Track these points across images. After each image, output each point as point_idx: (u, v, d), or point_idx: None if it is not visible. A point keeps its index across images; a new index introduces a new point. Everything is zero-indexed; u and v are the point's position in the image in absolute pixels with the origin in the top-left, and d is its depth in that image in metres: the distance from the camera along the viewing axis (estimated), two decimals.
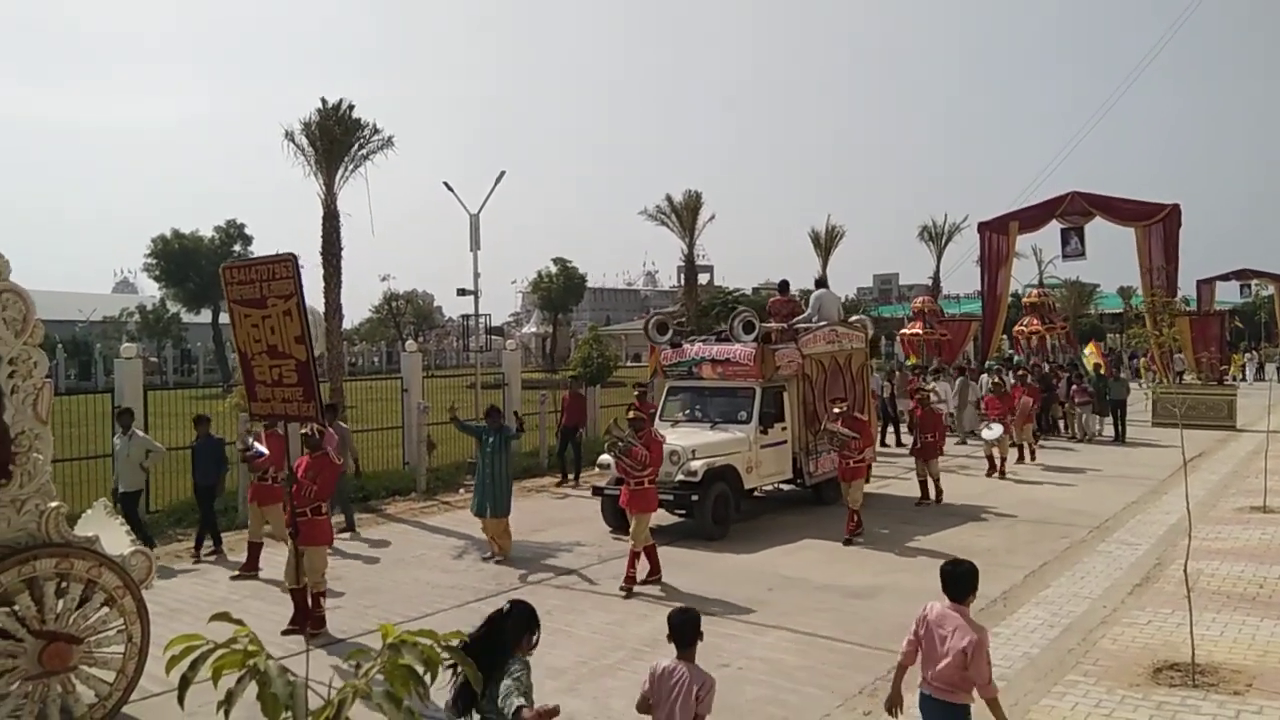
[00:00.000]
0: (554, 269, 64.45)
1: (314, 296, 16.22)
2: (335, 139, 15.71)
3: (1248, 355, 46.68)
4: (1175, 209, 27.34)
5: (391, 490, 16.04)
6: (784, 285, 17.45)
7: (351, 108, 16.06)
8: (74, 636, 6.48)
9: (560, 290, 64.01)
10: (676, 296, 56.89)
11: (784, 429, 13.77)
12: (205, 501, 12.31)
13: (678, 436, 12.79)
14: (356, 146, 16.11)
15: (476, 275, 20.54)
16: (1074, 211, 29.34)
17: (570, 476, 17.52)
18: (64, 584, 6.57)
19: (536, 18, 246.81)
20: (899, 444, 21.04)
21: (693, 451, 12.41)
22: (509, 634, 4.42)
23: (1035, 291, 28.60)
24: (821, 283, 16.70)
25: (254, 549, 11.23)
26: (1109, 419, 23.41)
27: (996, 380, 19.55)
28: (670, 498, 11.99)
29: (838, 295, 17.20)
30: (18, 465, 6.45)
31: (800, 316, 15.48)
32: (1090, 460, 19.44)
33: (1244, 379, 41.48)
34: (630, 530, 10.38)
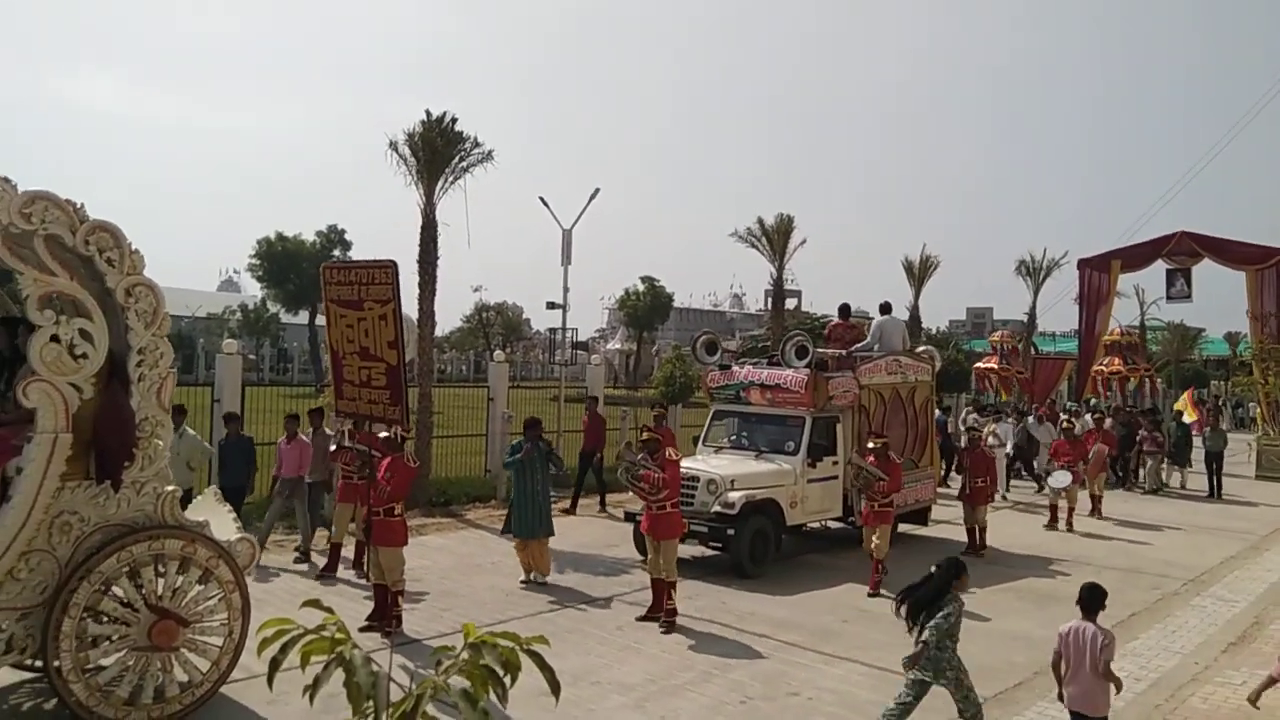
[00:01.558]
0: (641, 287, 64.65)
1: (409, 303, 16.60)
2: (437, 150, 16.03)
3: None
4: None
5: (473, 497, 16.28)
6: (844, 309, 16.01)
7: (454, 120, 16.39)
8: (184, 618, 6.75)
9: (646, 308, 64.16)
10: (763, 320, 56.61)
11: (835, 463, 12.87)
12: (234, 504, 12.28)
13: (718, 465, 12.20)
14: (457, 159, 16.41)
15: (566, 290, 20.83)
16: (1181, 252, 28.35)
17: (593, 500, 16.34)
18: (183, 566, 6.86)
19: (633, 39, 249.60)
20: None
21: (731, 481, 11.69)
22: (942, 580, 6.54)
23: (1118, 330, 27.53)
24: (886, 308, 15.45)
25: (335, 550, 11.42)
26: (1182, 471, 22.15)
27: (1067, 424, 18.31)
28: (705, 529, 11.43)
29: (902, 322, 16.08)
30: (140, 449, 6.79)
31: (861, 344, 14.63)
32: (1173, 515, 18.04)
33: None
34: (649, 560, 9.81)
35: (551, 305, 21.88)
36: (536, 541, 10.89)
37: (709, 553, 12.25)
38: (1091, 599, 6.16)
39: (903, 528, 14.27)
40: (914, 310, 32.42)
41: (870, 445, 11.74)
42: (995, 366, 28.43)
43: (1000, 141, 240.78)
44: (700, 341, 14.30)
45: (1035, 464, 21.11)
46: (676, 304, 75.07)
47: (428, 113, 16.20)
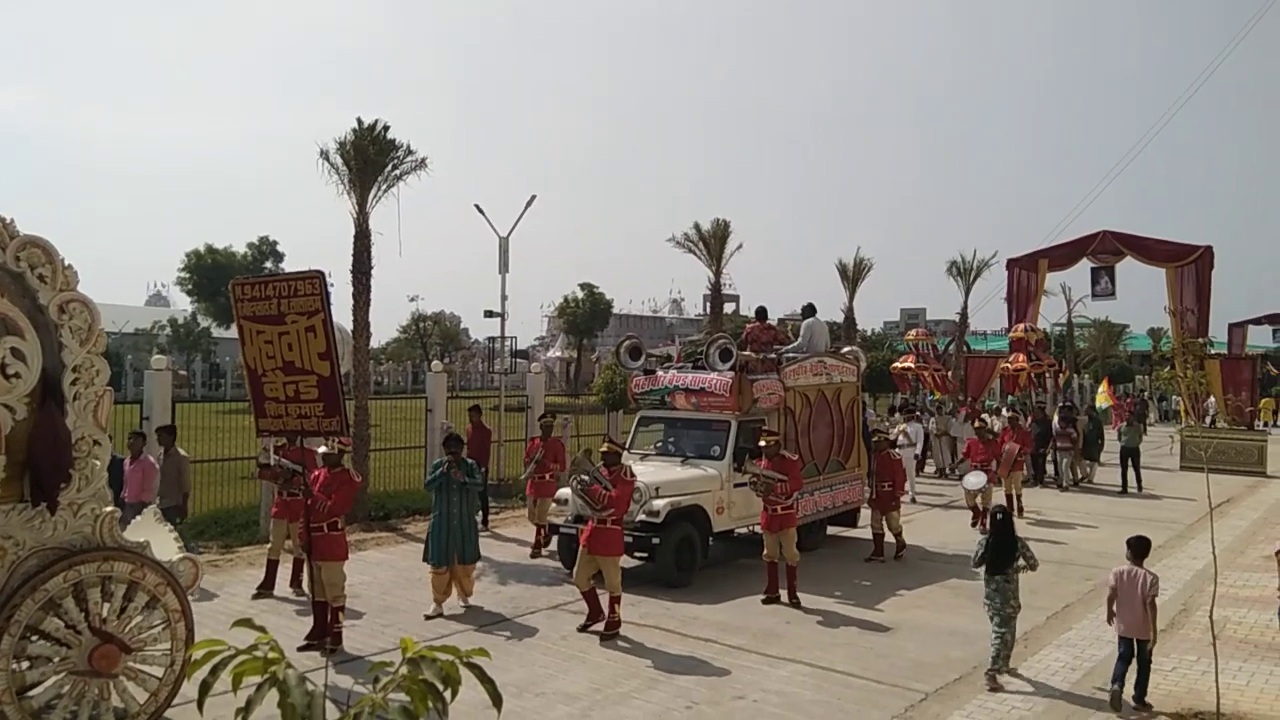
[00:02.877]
0: (580, 294, 64.66)
1: (342, 315, 16.35)
2: (369, 159, 15.85)
3: None
4: (1208, 251, 27.13)
5: (412, 510, 16.06)
6: (762, 311, 15.60)
7: (386, 128, 16.22)
8: (126, 644, 6.57)
9: (586, 315, 64.12)
10: (702, 324, 56.89)
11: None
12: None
13: (643, 472, 11.78)
14: (390, 167, 16.24)
15: (504, 298, 20.71)
16: (1105, 250, 29.17)
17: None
18: (130, 590, 6.68)
19: (569, 44, 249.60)
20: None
21: (656, 489, 11.38)
22: (1008, 523, 8.25)
23: (1022, 326, 27.99)
24: (810, 310, 15.28)
25: (271, 567, 11.20)
26: (1092, 465, 22.29)
27: (979, 423, 17.89)
28: (630, 539, 10.82)
29: (825, 324, 15.95)
30: (77, 470, 6.60)
31: (789, 346, 14.49)
32: (1099, 508, 18.44)
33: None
34: (578, 572, 9.62)
35: (490, 314, 21.76)
36: (458, 568, 10.21)
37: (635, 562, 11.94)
38: (1140, 547, 7.73)
39: (831, 530, 14.40)
40: (849, 312, 32.93)
41: (761, 444, 11.18)
42: (912, 365, 28.15)
43: (930, 145, 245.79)
44: (624, 347, 14.02)
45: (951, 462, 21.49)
46: (616, 310, 75.12)
47: (359, 121, 16.03)
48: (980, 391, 28.20)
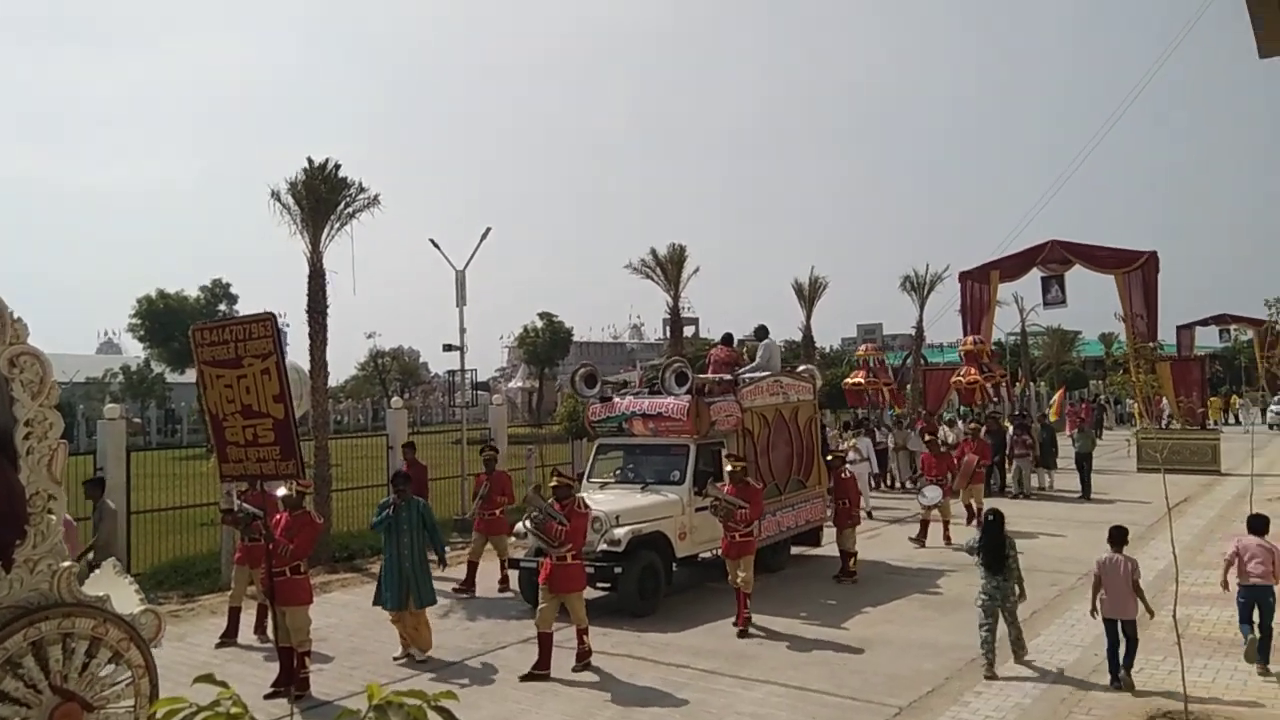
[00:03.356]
0: (539, 323, 64.61)
1: (299, 354, 16.18)
2: (321, 198, 15.76)
3: (1242, 400, 47.08)
4: (1153, 256, 27.74)
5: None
6: (728, 337, 15.81)
7: (338, 167, 16.16)
8: (89, 703, 6.40)
9: (546, 344, 64.06)
10: (662, 349, 57.07)
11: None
12: None
13: (602, 501, 11.69)
14: (343, 205, 16.16)
15: (462, 331, 20.63)
16: (1054, 260, 29.73)
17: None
18: (92, 647, 6.52)
19: (517, 74, 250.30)
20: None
21: (616, 518, 11.22)
22: (1000, 526, 8.76)
23: (970, 339, 28.34)
24: (763, 332, 15.17)
25: (234, 614, 10.99)
26: (1049, 472, 22.37)
27: (928, 437, 17.83)
28: (591, 570, 10.60)
29: (779, 344, 15.86)
30: (32, 525, 6.45)
31: (750, 367, 14.38)
32: (1060, 514, 18.57)
33: (1236, 422, 41.80)
34: (541, 612, 9.23)
35: (449, 347, 21.66)
36: (410, 614, 9.77)
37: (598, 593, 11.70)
38: (1119, 535, 8.46)
39: (795, 550, 14.30)
40: (806, 330, 33.19)
41: (728, 469, 11.18)
42: (863, 380, 28.05)
43: (878, 161, 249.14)
44: (579, 374, 13.88)
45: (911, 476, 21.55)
46: (576, 338, 75.12)
47: (309, 160, 15.95)
48: (938, 404, 28.48)
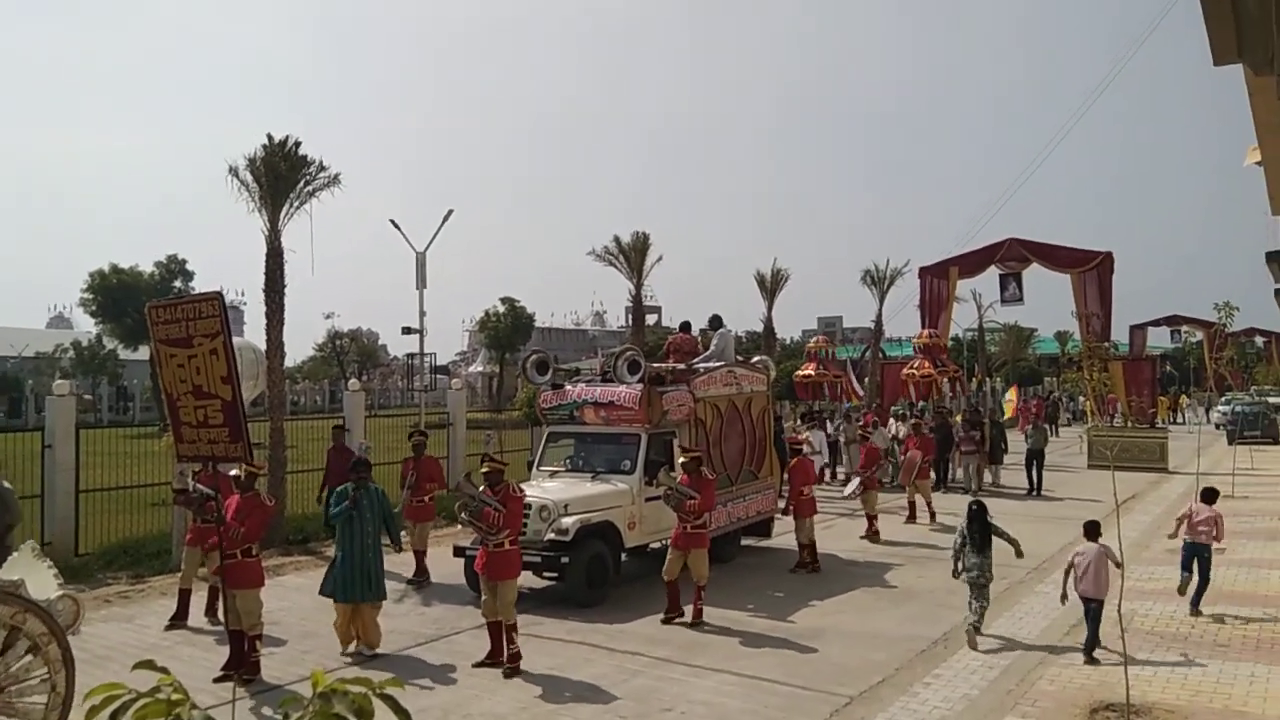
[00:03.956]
0: (501, 308, 64.31)
1: (256, 334, 15.98)
2: (281, 175, 15.53)
3: (1186, 400, 47.96)
4: (1108, 256, 28.19)
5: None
6: (686, 325, 15.82)
7: (299, 144, 15.93)
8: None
9: (508, 329, 63.78)
10: (625, 337, 57.04)
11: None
12: None
13: (551, 489, 11.64)
14: (303, 183, 15.95)
15: (422, 314, 20.50)
16: (1012, 258, 30.11)
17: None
18: (10, 637, 6.35)
19: (485, 56, 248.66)
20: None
21: (565, 506, 11.14)
22: (983, 513, 9.72)
23: (926, 332, 28.57)
24: (717, 322, 15.10)
25: (184, 596, 10.81)
26: (995, 468, 22.26)
27: (863, 432, 17.75)
28: (538, 559, 10.67)
29: (735, 334, 15.74)
30: None
31: (705, 355, 14.40)
32: (1012, 508, 18.66)
33: (1183, 422, 42.61)
34: (485, 602, 9.08)
35: (408, 330, 21.50)
36: (366, 606, 9.43)
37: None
38: (1092, 528, 9.27)
39: (745, 541, 14.32)
40: (768, 322, 33.34)
41: (681, 460, 11.05)
42: (813, 373, 27.95)
43: (844, 155, 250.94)
44: (530, 361, 13.74)
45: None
46: (538, 324, 74.89)
47: (269, 137, 15.71)
48: (895, 397, 28.71)
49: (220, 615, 9.57)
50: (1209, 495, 10.67)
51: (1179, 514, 10.79)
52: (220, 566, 8.76)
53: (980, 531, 9.67)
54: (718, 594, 11.42)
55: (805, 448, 17.18)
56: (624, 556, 12.13)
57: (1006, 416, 26.68)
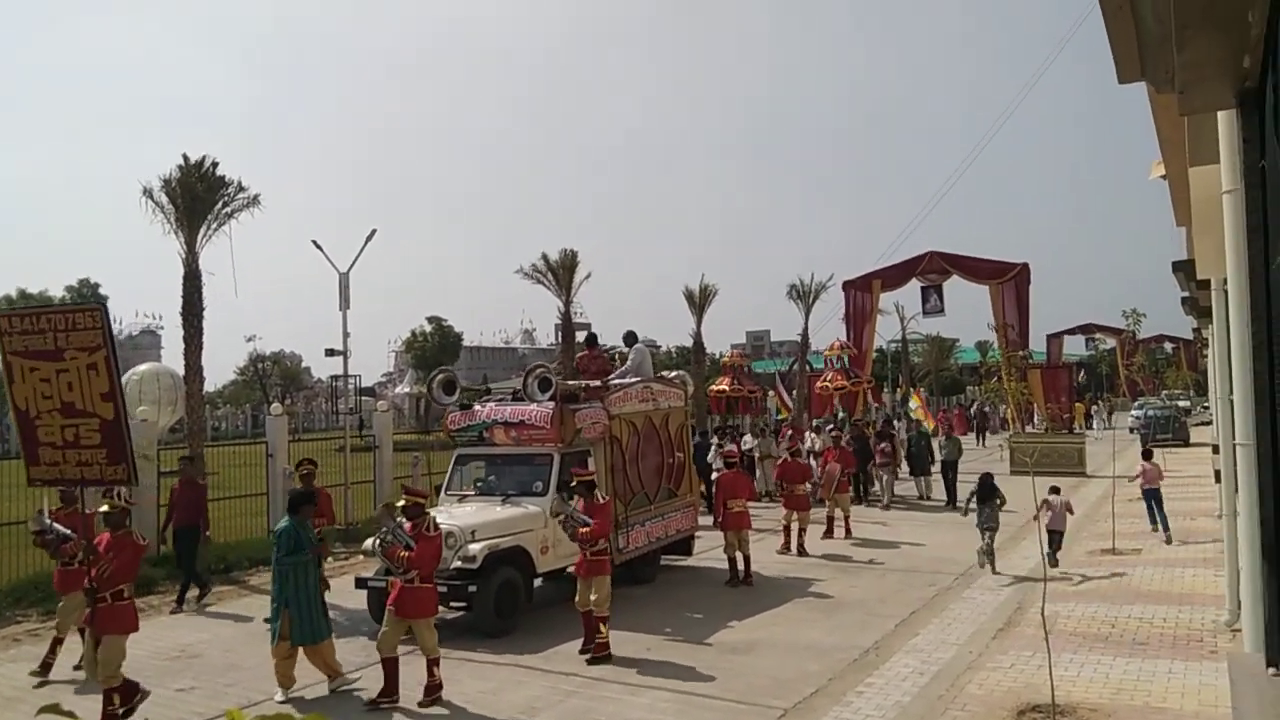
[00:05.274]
0: (428, 328, 63.64)
1: (174, 359, 15.55)
2: (197, 196, 15.22)
3: (1094, 406, 49.40)
4: (1024, 268, 29.02)
5: (255, 560, 15.29)
6: (592, 338, 15.26)
7: (215, 165, 15.64)
8: None
9: (435, 349, 63.11)
10: (554, 354, 56.85)
11: None
12: None
13: (458, 515, 11.17)
14: (221, 204, 15.65)
15: (346, 335, 20.16)
16: (933, 270, 30.81)
17: (196, 592, 13.09)
18: None
19: (399, 71, 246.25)
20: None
21: (472, 532, 10.61)
22: (989, 482, 13.33)
23: (836, 343, 28.61)
24: (632, 337, 14.83)
25: (55, 645, 9.86)
26: (924, 479, 22.02)
27: (792, 447, 17.35)
28: (444, 588, 10.00)
29: (648, 350, 15.53)
30: None
31: (622, 370, 14.16)
32: (927, 520, 18.74)
33: (1092, 428, 43.85)
34: (384, 634, 8.60)
35: (331, 352, 21.11)
36: (325, 644, 8.99)
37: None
38: (1055, 488, 13.39)
39: (665, 560, 13.96)
40: (697, 337, 33.57)
41: (575, 484, 10.31)
42: (727, 388, 27.36)
43: (768, 170, 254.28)
44: (436, 381, 13.15)
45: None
46: (467, 342, 74.30)
47: (185, 157, 15.38)
48: (823, 411, 29.07)
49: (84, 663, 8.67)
50: (1147, 455, 15.79)
51: (1134, 473, 15.91)
52: (89, 612, 8.00)
53: (984, 491, 13.17)
54: (645, 613, 11.45)
55: (719, 462, 17.14)
56: (539, 581, 11.83)
57: (924, 426, 26.90)
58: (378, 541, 8.92)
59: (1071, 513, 13.36)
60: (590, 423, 12.18)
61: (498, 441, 12.37)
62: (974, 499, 13.31)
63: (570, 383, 13.05)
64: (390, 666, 8.54)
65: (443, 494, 12.44)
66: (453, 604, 10.57)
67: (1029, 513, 18.11)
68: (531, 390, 12.02)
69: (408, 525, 8.80)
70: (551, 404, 11.86)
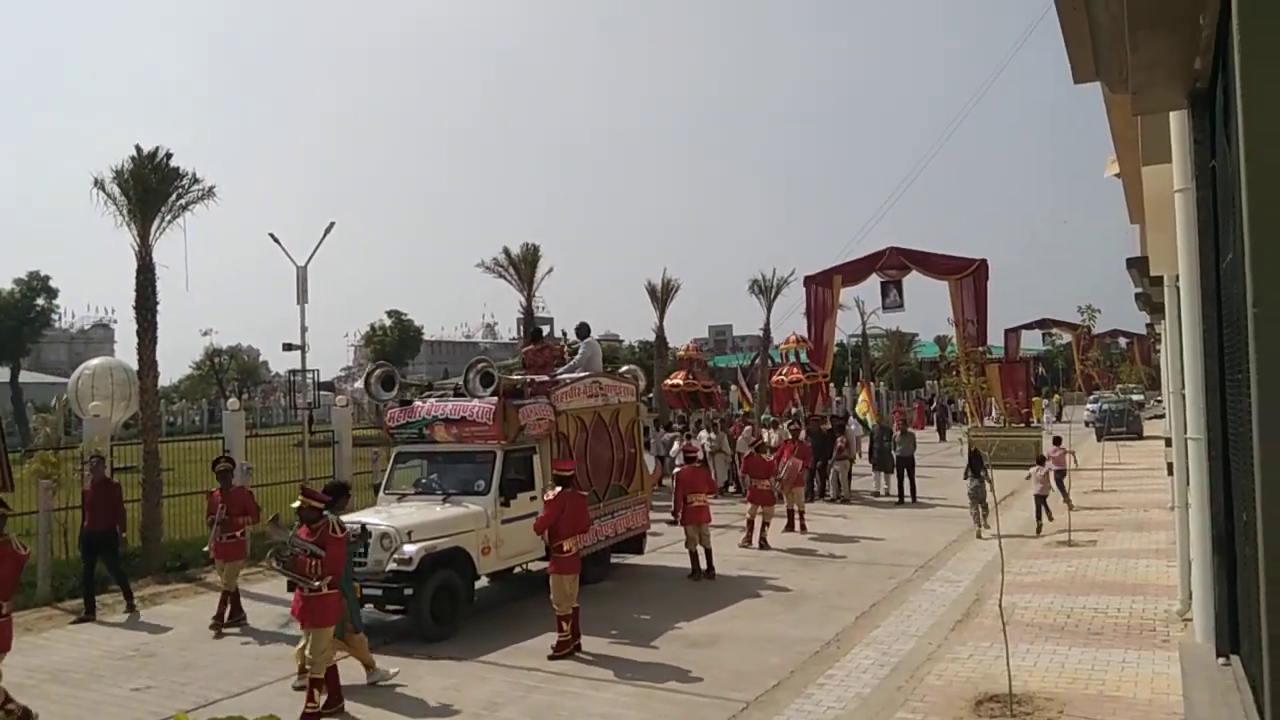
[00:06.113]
0: (388, 322, 63.19)
1: (127, 353, 15.28)
2: (151, 188, 14.91)
3: (1046, 401, 50.08)
4: (983, 264, 29.35)
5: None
6: (536, 332, 14.98)
7: (170, 156, 15.34)
8: None
9: (395, 343, 62.74)
10: (516, 349, 56.68)
11: (533, 498, 11.54)
12: None
13: (395, 515, 10.80)
14: (175, 196, 15.37)
15: (304, 329, 19.97)
16: (892, 266, 31.09)
17: (114, 597, 12.49)
18: None
19: (367, 67, 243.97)
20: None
21: (408, 533, 10.23)
22: (979, 456, 15.68)
23: (793, 336, 28.62)
24: (585, 330, 14.53)
25: None
26: (886, 475, 21.69)
27: (756, 441, 17.46)
28: (379, 592, 9.80)
29: (598, 344, 15.18)
30: None
31: (570, 365, 13.92)
32: (884, 515, 18.69)
33: (1043, 421, 44.47)
34: (301, 647, 8.16)
35: (289, 347, 20.87)
36: (355, 637, 8.89)
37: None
38: (1041, 459, 16.99)
39: (615, 558, 13.72)
40: (659, 331, 33.55)
41: (297, 504, 8.49)
42: (681, 382, 27.20)
43: (730, 166, 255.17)
44: (374, 376, 12.68)
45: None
46: (427, 336, 73.87)
47: (138, 148, 15.07)
48: (783, 405, 29.17)
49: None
50: (1057, 441, 18.59)
51: (1049, 452, 17.99)
52: None
53: (974, 463, 15.48)
54: (607, 608, 11.47)
55: (681, 459, 17.05)
56: (486, 580, 11.59)
57: (886, 421, 26.94)
58: (277, 560, 8.32)
59: (1051, 477, 16.67)
60: (535, 419, 11.83)
61: (438, 439, 11.96)
62: (968, 472, 15.91)
63: (514, 377, 12.66)
64: (328, 677, 8.09)
65: (381, 493, 12.11)
66: (389, 607, 10.20)
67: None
68: (473, 385, 11.63)
69: (305, 531, 8.20)
70: (494, 399, 11.51)
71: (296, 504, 8.37)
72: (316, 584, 7.92)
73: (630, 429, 13.93)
